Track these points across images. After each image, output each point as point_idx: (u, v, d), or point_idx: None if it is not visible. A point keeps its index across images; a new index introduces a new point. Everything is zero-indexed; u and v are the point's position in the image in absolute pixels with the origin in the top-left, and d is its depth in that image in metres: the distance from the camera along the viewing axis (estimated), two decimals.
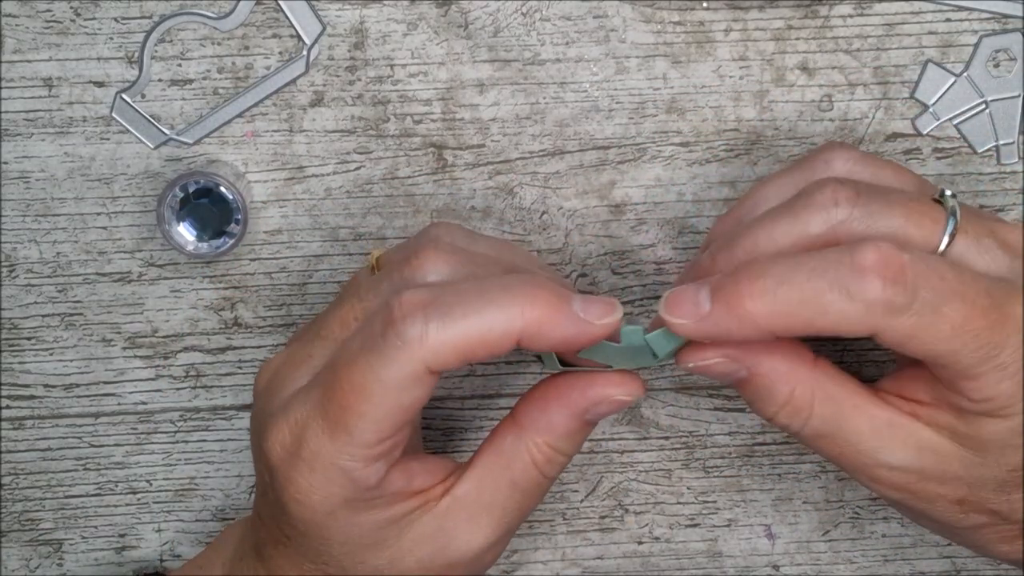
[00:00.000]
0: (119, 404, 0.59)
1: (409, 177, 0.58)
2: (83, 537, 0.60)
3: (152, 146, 0.57)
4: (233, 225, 0.55)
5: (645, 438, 0.60)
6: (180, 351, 0.59)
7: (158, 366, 0.59)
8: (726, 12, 0.57)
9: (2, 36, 0.56)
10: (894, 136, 0.58)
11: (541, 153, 0.58)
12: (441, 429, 0.60)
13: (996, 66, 0.57)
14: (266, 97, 0.57)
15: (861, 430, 0.48)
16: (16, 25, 0.56)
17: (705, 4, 0.57)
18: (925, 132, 0.58)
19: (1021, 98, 0.58)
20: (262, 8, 0.56)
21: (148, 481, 0.60)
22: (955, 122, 0.58)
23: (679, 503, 0.61)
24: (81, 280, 0.58)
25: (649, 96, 0.57)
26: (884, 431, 0.48)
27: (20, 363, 0.59)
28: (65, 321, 0.58)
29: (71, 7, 0.56)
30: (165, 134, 0.57)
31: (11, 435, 0.59)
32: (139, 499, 0.60)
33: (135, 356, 0.59)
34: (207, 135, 0.57)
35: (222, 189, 0.55)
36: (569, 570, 0.61)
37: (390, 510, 0.49)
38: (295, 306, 0.59)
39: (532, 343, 0.46)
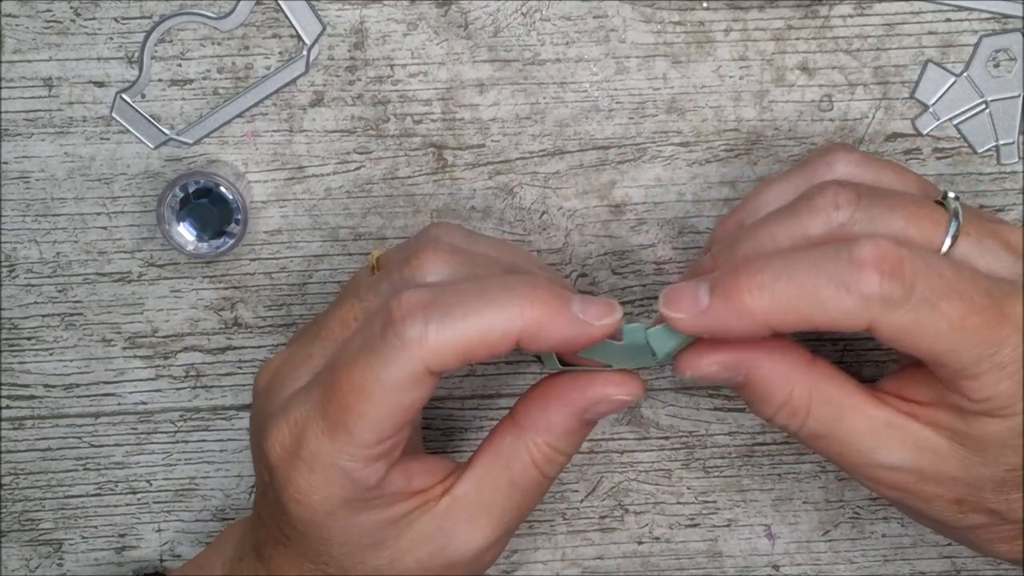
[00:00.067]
0: (119, 404, 0.59)
1: (409, 177, 0.58)
2: (83, 537, 0.60)
3: (152, 146, 0.57)
4: (233, 225, 0.55)
5: (645, 438, 0.60)
6: (180, 351, 0.59)
7: (158, 366, 0.59)
8: (726, 12, 0.57)
9: (2, 36, 0.56)
10: (894, 136, 0.58)
11: (541, 153, 0.58)
12: (441, 429, 0.60)
13: (996, 66, 0.57)
14: (266, 97, 0.57)
15: (859, 430, 0.48)
16: (16, 25, 0.56)
17: (705, 4, 0.57)
18: (925, 132, 0.58)
19: (1021, 98, 0.58)
20: (262, 8, 0.56)
21: (148, 481, 0.60)
22: (955, 122, 0.58)
23: (679, 503, 0.61)
24: (81, 280, 0.58)
25: (649, 96, 0.57)
26: (882, 431, 0.48)
27: (20, 363, 0.59)
28: (65, 321, 0.58)
29: (71, 7, 0.56)
30: (165, 134, 0.57)
31: (11, 435, 0.59)
32: (139, 499, 0.60)
33: (135, 356, 0.59)
34: (207, 135, 0.57)
35: (222, 189, 0.55)
36: (569, 570, 0.61)
37: (390, 510, 0.49)
38: (295, 306, 0.59)
39: (531, 344, 0.46)
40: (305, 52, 0.57)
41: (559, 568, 0.61)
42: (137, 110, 0.57)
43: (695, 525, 0.61)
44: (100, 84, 0.57)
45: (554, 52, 0.57)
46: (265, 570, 0.52)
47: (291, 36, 0.56)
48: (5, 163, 0.57)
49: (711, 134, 0.58)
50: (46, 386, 0.59)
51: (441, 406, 0.60)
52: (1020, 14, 0.57)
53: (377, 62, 0.57)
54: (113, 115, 0.57)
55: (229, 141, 0.57)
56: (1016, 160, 0.58)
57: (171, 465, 0.60)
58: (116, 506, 0.60)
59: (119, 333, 0.59)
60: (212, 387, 0.59)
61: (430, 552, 0.50)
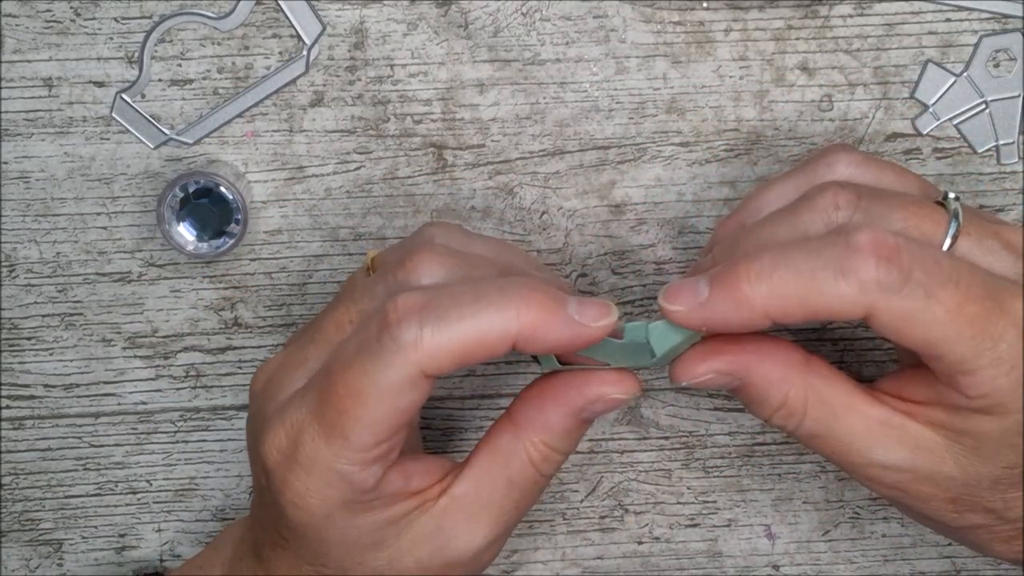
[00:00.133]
0: (119, 404, 0.59)
1: (409, 177, 0.58)
2: (83, 537, 0.60)
3: (152, 146, 0.57)
4: (233, 225, 0.55)
5: (645, 438, 0.60)
6: (180, 351, 0.59)
7: (158, 366, 0.59)
8: (726, 12, 0.57)
9: (2, 36, 0.56)
10: (894, 136, 0.58)
11: (541, 153, 0.58)
12: (441, 429, 0.60)
13: (996, 66, 0.57)
14: (266, 97, 0.57)
15: (856, 430, 0.48)
16: (16, 25, 0.56)
17: (705, 4, 0.57)
18: (925, 132, 0.58)
19: (1021, 98, 0.57)
20: (262, 8, 0.56)
21: (148, 481, 0.60)
22: (955, 122, 0.58)
23: (679, 503, 0.61)
24: (81, 280, 0.58)
25: (649, 96, 0.57)
26: (878, 430, 0.48)
27: (20, 363, 0.59)
28: (65, 321, 0.58)
29: (71, 7, 0.56)
30: (165, 134, 0.57)
31: (11, 435, 0.59)
32: (139, 499, 0.60)
33: (135, 356, 0.59)
34: (207, 135, 0.57)
35: (222, 189, 0.55)
36: (569, 570, 0.61)
37: (388, 511, 0.49)
38: (295, 306, 0.59)
39: (528, 346, 0.46)
40: (305, 52, 0.57)
41: (559, 568, 0.61)
42: (137, 110, 0.57)
43: (695, 525, 0.61)
44: (100, 84, 0.57)
45: (554, 52, 0.57)
46: (263, 571, 0.52)
47: (291, 36, 0.57)
48: (5, 163, 0.57)
49: (711, 134, 0.58)
50: (46, 386, 0.59)
51: (441, 406, 0.60)
52: (1020, 14, 0.57)
53: (377, 62, 0.57)
54: (113, 115, 0.57)
55: (229, 141, 0.57)
56: (1016, 160, 0.58)
57: (171, 465, 0.60)
58: (116, 506, 0.60)
59: (119, 333, 0.59)
60: (212, 387, 0.59)
61: (429, 552, 0.50)
